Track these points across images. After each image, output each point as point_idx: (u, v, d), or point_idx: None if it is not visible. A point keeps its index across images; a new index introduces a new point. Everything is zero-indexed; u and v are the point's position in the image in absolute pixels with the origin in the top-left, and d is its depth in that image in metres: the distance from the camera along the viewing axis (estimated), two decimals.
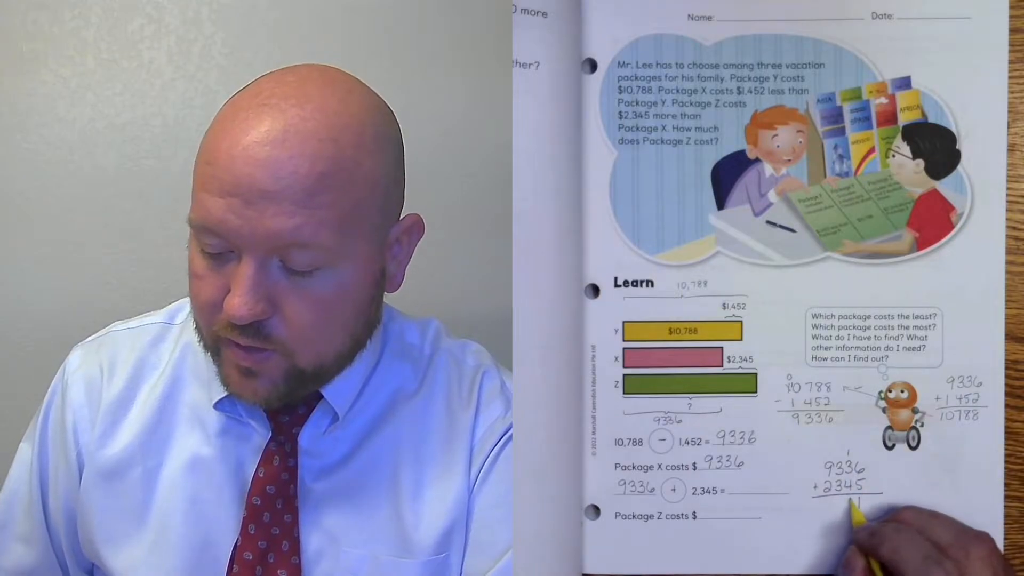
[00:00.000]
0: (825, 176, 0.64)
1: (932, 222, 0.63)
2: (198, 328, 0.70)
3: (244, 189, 0.63)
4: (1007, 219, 0.63)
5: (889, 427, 0.64)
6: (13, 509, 0.79)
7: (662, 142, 0.64)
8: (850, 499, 0.63)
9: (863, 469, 0.63)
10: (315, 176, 0.63)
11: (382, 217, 0.69)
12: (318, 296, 0.66)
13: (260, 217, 0.63)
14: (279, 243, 0.64)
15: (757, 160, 0.64)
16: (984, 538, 0.59)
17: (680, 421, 0.63)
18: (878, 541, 0.60)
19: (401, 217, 0.73)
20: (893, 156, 0.64)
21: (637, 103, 0.63)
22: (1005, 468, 0.63)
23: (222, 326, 0.66)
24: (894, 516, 0.62)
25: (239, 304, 0.64)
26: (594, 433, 0.63)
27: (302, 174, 0.63)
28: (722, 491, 0.63)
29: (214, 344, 0.69)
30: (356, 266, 0.68)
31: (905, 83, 0.63)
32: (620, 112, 0.63)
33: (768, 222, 0.64)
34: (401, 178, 0.72)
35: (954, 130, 0.63)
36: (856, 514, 0.63)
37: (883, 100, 0.63)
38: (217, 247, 0.65)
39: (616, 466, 0.64)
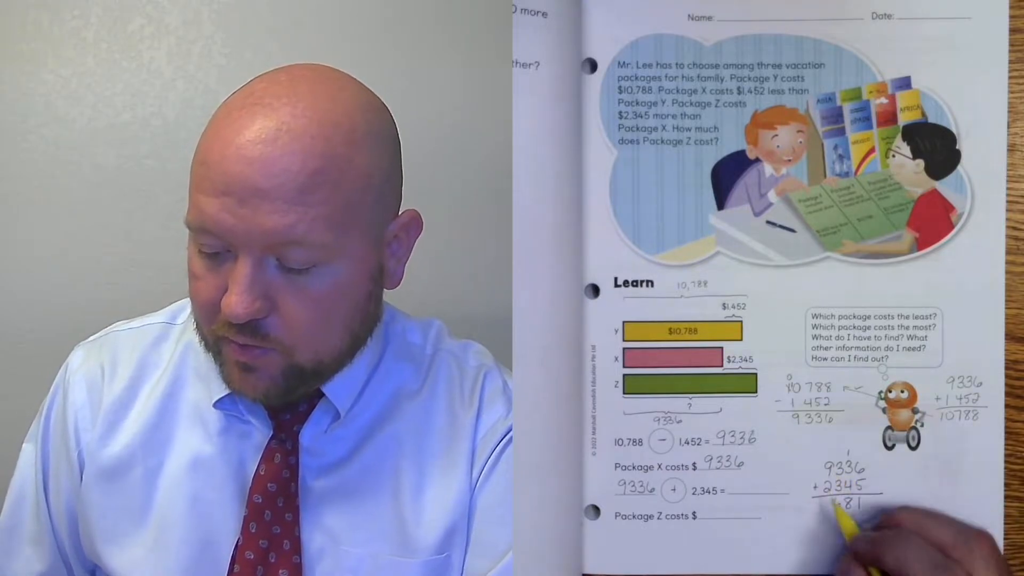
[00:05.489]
0: (825, 176, 0.64)
1: (932, 222, 0.63)
2: (199, 328, 0.71)
3: (237, 188, 0.63)
4: (1007, 219, 0.63)
5: (889, 427, 0.64)
6: (21, 511, 0.79)
7: (662, 142, 0.64)
8: (834, 501, 0.63)
9: (863, 469, 0.63)
10: (307, 173, 0.64)
11: (377, 214, 0.69)
12: (315, 293, 0.66)
13: (254, 215, 0.63)
14: (274, 241, 0.64)
15: (757, 160, 0.64)
16: (984, 536, 0.59)
17: (680, 421, 0.63)
18: (880, 550, 0.58)
19: (399, 213, 0.73)
20: (893, 156, 0.64)
21: (637, 103, 0.63)
22: (1005, 468, 0.63)
23: (221, 325, 0.67)
24: (889, 519, 0.61)
25: (236, 303, 0.64)
26: (594, 433, 0.63)
27: (294, 171, 0.63)
28: (722, 491, 0.64)
29: (215, 343, 0.69)
30: (352, 263, 0.68)
31: (905, 83, 0.63)
32: (620, 112, 0.63)
33: (768, 222, 0.64)
34: (397, 175, 0.72)
35: (954, 130, 0.63)
36: (845, 520, 0.62)
37: (883, 100, 0.63)
38: (214, 247, 0.66)
39: (616, 466, 0.64)
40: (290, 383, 0.69)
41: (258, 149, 0.63)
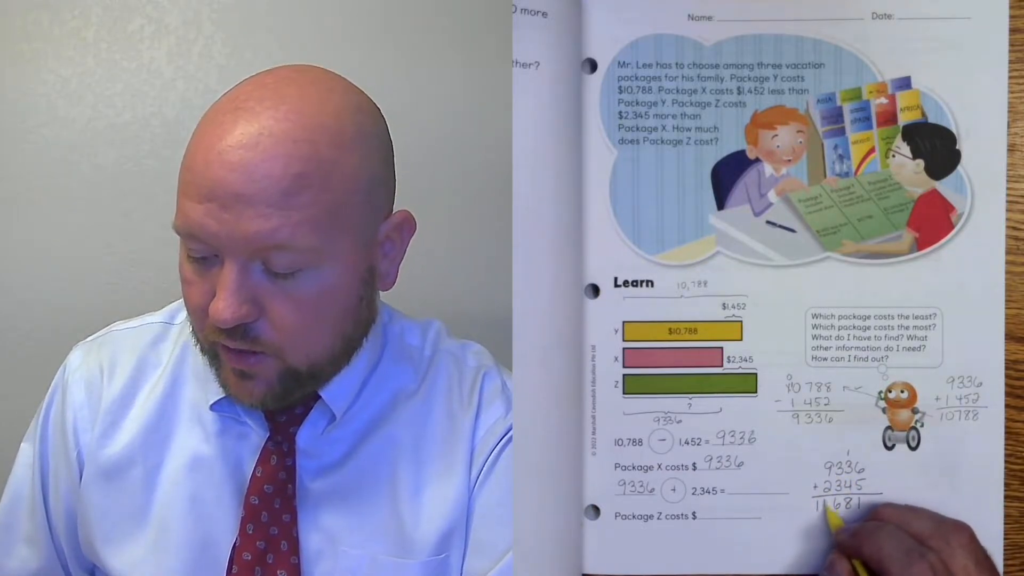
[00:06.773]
0: (825, 176, 0.64)
1: (932, 222, 0.63)
2: (194, 332, 0.71)
3: (220, 193, 0.63)
4: (1007, 219, 0.63)
5: (889, 427, 0.64)
6: (17, 510, 0.79)
7: (662, 142, 0.64)
8: (825, 503, 0.63)
9: (863, 469, 0.63)
10: (290, 177, 0.63)
11: (367, 216, 0.69)
12: (302, 297, 0.66)
13: (237, 221, 0.63)
14: (258, 246, 0.64)
15: (757, 160, 0.64)
16: (963, 527, 0.59)
17: (680, 421, 0.63)
18: (859, 541, 0.60)
19: (391, 214, 0.73)
20: (893, 156, 0.64)
21: (637, 103, 0.63)
22: (1005, 468, 0.63)
23: (211, 330, 0.67)
24: (872, 514, 0.62)
25: (223, 308, 0.64)
26: (594, 433, 0.63)
27: (277, 176, 0.63)
28: (722, 491, 0.63)
29: (210, 348, 0.69)
30: (341, 266, 0.68)
31: (905, 83, 0.63)
32: (620, 112, 0.63)
33: (768, 222, 0.64)
34: (389, 176, 0.72)
35: (954, 130, 0.63)
36: (832, 517, 0.63)
37: (883, 100, 0.63)
38: (201, 252, 0.66)
39: (616, 466, 0.64)
40: (286, 388, 0.69)
41: (239, 154, 0.63)
